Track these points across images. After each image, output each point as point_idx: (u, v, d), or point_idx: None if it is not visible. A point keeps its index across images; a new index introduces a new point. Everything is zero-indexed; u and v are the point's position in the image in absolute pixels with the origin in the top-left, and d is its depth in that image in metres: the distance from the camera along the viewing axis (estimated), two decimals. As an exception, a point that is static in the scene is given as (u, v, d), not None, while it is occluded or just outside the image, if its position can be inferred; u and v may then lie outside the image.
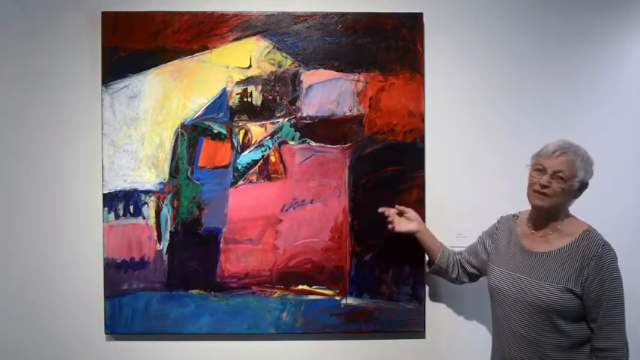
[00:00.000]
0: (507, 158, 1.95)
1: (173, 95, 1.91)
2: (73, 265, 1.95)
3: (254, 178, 1.92)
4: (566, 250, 1.52)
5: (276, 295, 1.92)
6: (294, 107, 1.92)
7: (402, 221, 1.82)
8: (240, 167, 1.92)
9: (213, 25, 1.91)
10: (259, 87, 1.92)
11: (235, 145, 1.92)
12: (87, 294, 1.94)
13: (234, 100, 1.92)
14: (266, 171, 1.92)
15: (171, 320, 1.91)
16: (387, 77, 1.92)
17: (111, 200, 1.90)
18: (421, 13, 1.93)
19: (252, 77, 1.92)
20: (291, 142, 1.92)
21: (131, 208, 1.91)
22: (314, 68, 1.92)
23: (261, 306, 1.92)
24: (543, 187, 1.50)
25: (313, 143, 1.92)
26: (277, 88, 1.92)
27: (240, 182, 1.92)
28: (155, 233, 1.91)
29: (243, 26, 1.91)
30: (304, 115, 1.92)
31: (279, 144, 1.92)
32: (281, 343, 1.96)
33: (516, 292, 1.56)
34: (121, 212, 1.90)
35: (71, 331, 1.96)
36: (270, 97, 1.92)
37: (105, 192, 1.90)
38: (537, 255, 1.56)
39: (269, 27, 1.92)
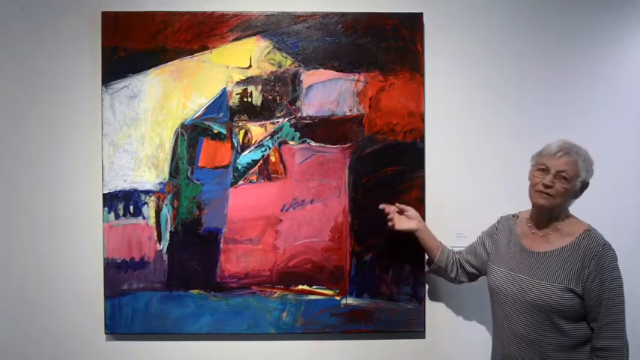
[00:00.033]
0: (507, 158, 1.95)
1: (173, 95, 1.91)
2: (73, 265, 1.95)
3: (254, 178, 1.92)
4: (567, 249, 1.52)
5: (276, 295, 1.92)
6: (294, 107, 1.92)
7: (402, 219, 1.82)
8: (240, 167, 1.92)
9: (213, 25, 1.91)
10: (259, 87, 1.92)
11: (235, 145, 1.92)
12: (87, 294, 1.94)
13: (234, 100, 1.92)
14: (266, 171, 1.92)
15: (171, 320, 1.91)
16: (387, 77, 1.92)
17: (111, 200, 1.90)
18: (421, 13, 1.93)
19: (252, 77, 1.92)
20: (291, 142, 1.92)
21: (131, 208, 1.91)
22: (314, 68, 1.92)
23: (261, 306, 1.92)
24: (546, 187, 1.50)
25: (313, 143, 1.92)
26: (277, 88, 1.92)
27: (240, 182, 1.92)
28: (155, 233, 1.91)
29: (243, 26, 1.91)
30: (304, 115, 1.92)
31: (279, 144, 1.92)
32: (281, 343, 1.96)
33: (517, 292, 1.56)
34: (121, 212, 1.90)
35: (71, 331, 1.96)
36: (270, 97, 1.92)
37: (105, 192, 1.90)
38: (538, 255, 1.56)
39: (269, 27, 1.92)
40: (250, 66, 1.92)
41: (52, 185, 1.95)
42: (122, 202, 1.90)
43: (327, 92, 1.92)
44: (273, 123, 1.92)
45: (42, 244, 1.95)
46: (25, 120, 1.94)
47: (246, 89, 1.92)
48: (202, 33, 1.91)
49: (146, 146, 1.91)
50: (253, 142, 1.92)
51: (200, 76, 1.91)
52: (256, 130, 1.92)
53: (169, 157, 1.91)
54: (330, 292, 1.92)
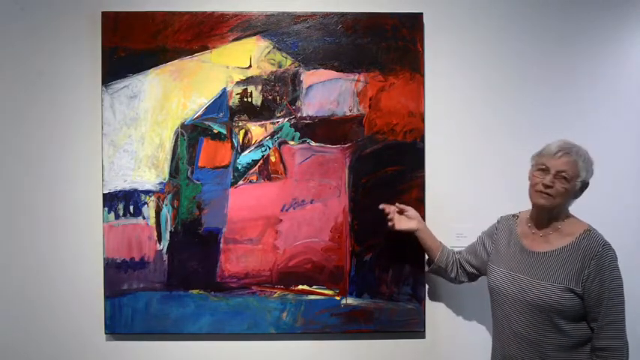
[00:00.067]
0: (507, 158, 1.95)
1: (173, 95, 1.91)
2: (73, 265, 1.95)
3: (254, 178, 1.92)
4: (567, 249, 1.52)
5: (276, 295, 1.92)
6: (294, 107, 1.92)
7: (402, 219, 1.82)
8: (240, 167, 1.92)
9: (213, 25, 1.91)
10: (259, 87, 1.92)
11: (235, 145, 1.92)
12: (87, 294, 1.94)
13: (234, 100, 1.92)
14: (266, 171, 1.92)
15: (171, 320, 1.91)
16: (387, 77, 1.92)
17: (111, 200, 1.90)
18: (421, 13, 1.93)
19: (252, 77, 1.92)
20: (291, 142, 1.92)
21: (131, 208, 1.91)
22: (314, 68, 1.92)
23: (261, 306, 1.92)
24: (547, 187, 1.50)
25: (313, 143, 1.92)
26: (277, 88, 1.92)
27: (240, 182, 1.92)
28: (155, 233, 1.91)
29: (243, 26, 1.91)
30: (304, 115, 1.92)
31: (279, 144, 1.92)
32: (281, 343, 1.96)
33: (517, 292, 1.56)
34: (121, 212, 1.90)
35: (71, 331, 1.96)
36: (270, 97, 1.92)
37: (105, 192, 1.90)
38: (538, 255, 1.56)
39: (269, 27, 1.92)
40: (250, 66, 1.92)
41: (52, 185, 1.95)
42: (122, 202, 1.90)
43: (327, 92, 1.92)
44: (273, 123, 1.92)
45: (42, 244, 1.95)
46: (25, 120, 1.94)
47: (246, 89, 1.92)
48: (202, 33, 1.91)
49: (146, 146, 1.91)
50: (253, 142, 1.92)
51: (200, 76, 1.91)
52: (256, 130, 1.92)
53: (169, 157, 1.91)
54: (330, 292, 1.92)
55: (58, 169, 1.95)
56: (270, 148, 1.92)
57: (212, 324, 1.91)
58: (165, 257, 1.91)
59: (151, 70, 1.91)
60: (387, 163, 1.92)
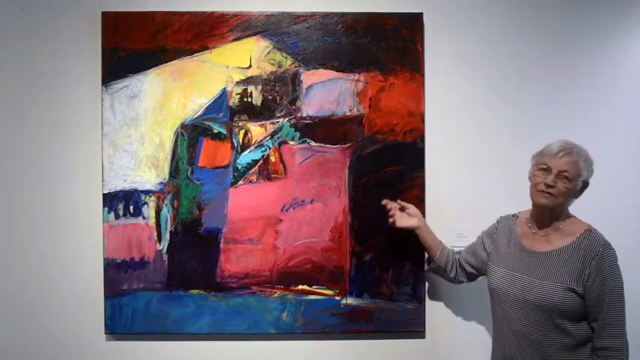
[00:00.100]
0: (507, 158, 1.95)
1: (173, 95, 1.91)
2: (73, 265, 1.95)
3: (254, 178, 1.92)
4: (568, 249, 1.52)
5: (276, 295, 1.92)
6: (294, 107, 1.92)
7: (404, 216, 1.82)
8: (240, 167, 1.92)
9: (213, 25, 1.91)
10: (259, 87, 1.92)
11: (235, 145, 1.92)
12: (87, 294, 1.94)
13: (234, 100, 1.92)
14: (266, 171, 1.92)
15: (171, 320, 1.91)
16: (387, 77, 1.92)
17: (111, 200, 1.90)
18: (421, 13, 1.93)
19: (252, 77, 1.92)
20: (291, 142, 1.92)
21: (131, 208, 1.91)
22: (314, 68, 1.92)
23: (261, 306, 1.92)
24: (549, 186, 1.50)
25: (313, 143, 1.92)
26: (277, 88, 1.92)
27: (240, 182, 1.92)
28: (155, 233, 1.91)
29: (243, 26, 1.91)
30: (304, 115, 1.92)
31: (279, 144, 1.92)
32: (281, 343, 1.96)
33: (517, 292, 1.56)
34: (121, 212, 1.90)
35: (71, 331, 1.96)
36: (270, 97, 1.92)
37: (105, 192, 1.90)
38: (538, 254, 1.57)
39: (269, 27, 1.92)
40: (250, 66, 1.92)
41: (52, 185, 1.95)
42: (122, 202, 1.90)
43: (327, 92, 1.92)
44: (273, 123, 1.92)
45: (42, 244, 1.95)
46: (25, 120, 1.94)
47: (246, 89, 1.92)
48: (202, 33, 1.91)
49: (146, 146, 1.91)
50: (253, 142, 1.92)
51: (200, 76, 1.91)
52: (256, 130, 1.92)
53: (169, 157, 1.91)
54: (330, 292, 1.92)
55: (58, 169, 1.95)
56: (270, 148, 1.92)
57: (212, 324, 1.91)
58: (165, 257, 1.91)
59: (151, 70, 1.91)
60: (387, 163, 1.92)
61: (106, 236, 1.90)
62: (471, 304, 1.98)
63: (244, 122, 1.92)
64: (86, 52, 1.94)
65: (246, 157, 1.92)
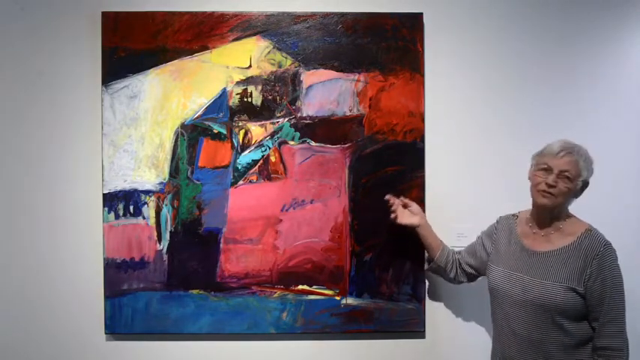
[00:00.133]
0: (507, 158, 1.95)
1: (173, 95, 1.91)
2: (73, 265, 1.95)
3: (254, 178, 1.92)
4: (569, 249, 1.52)
5: (276, 295, 1.92)
6: (294, 107, 1.92)
7: (406, 213, 1.82)
8: (240, 167, 1.92)
9: (213, 25, 1.91)
10: (259, 87, 1.92)
11: (235, 145, 1.92)
12: (87, 294, 1.94)
13: (234, 100, 1.92)
14: (266, 171, 1.92)
15: (171, 320, 1.91)
16: (387, 77, 1.92)
17: (111, 200, 1.90)
18: (421, 13, 1.93)
19: (252, 77, 1.92)
20: (291, 142, 1.92)
21: (131, 208, 1.91)
22: (314, 68, 1.92)
23: (261, 306, 1.92)
24: (550, 186, 1.50)
25: (313, 143, 1.92)
26: (277, 88, 1.92)
27: (240, 182, 1.92)
28: (155, 233, 1.91)
29: (243, 26, 1.91)
30: (304, 115, 1.92)
31: (279, 144, 1.92)
32: (281, 343, 1.96)
33: (518, 292, 1.56)
34: (121, 212, 1.90)
35: (71, 331, 1.96)
36: (270, 97, 1.92)
37: (105, 192, 1.90)
38: (539, 254, 1.57)
39: (269, 27, 1.92)
40: (250, 66, 1.92)
41: (52, 185, 1.95)
42: (122, 202, 1.90)
43: (327, 92, 1.92)
44: (273, 123, 1.92)
45: (42, 244, 1.95)
46: (25, 120, 1.94)
47: (246, 89, 1.92)
48: (202, 33, 1.91)
49: (146, 146, 1.91)
50: (253, 142, 1.92)
51: (200, 76, 1.91)
52: (256, 130, 1.92)
53: (169, 157, 1.91)
54: (330, 292, 1.92)
55: (58, 169, 1.95)
56: (270, 148, 1.92)
57: (212, 324, 1.91)
58: (165, 257, 1.91)
59: (151, 70, 1.91)
60: (387, 163, 1.92)
61: (106, 236, 1.90)
62: (471, 304, 1.98)
63: (244, 122, 1.92)
64: (86, 52, 1.94)
65: (246, 157, 1.92)
